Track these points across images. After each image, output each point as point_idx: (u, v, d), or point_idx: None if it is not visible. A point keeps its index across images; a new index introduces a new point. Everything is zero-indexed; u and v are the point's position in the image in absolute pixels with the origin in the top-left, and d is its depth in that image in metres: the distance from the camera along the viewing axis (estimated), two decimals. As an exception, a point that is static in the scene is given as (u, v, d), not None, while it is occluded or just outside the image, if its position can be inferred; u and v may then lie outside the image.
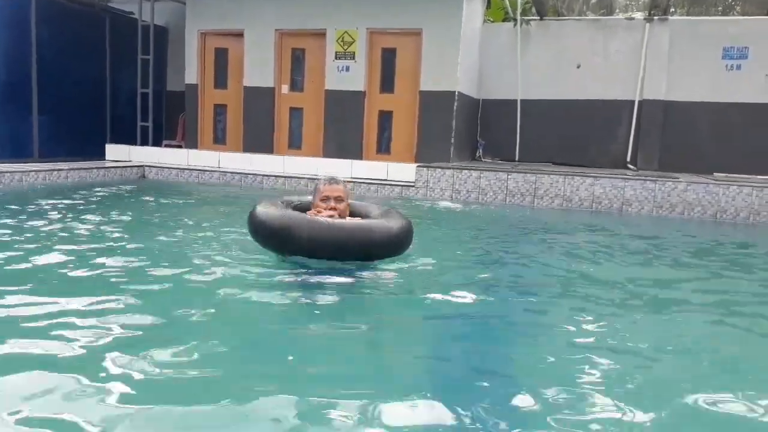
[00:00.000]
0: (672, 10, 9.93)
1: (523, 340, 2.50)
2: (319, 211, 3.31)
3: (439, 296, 2.96)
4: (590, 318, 2.72)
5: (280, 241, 3.20)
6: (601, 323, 2.66)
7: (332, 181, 3.41)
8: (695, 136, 9.43)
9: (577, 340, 2.46)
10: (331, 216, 3.27)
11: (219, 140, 10.64)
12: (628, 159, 9.64)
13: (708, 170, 8.79)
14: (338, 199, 3.36)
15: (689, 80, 9.41)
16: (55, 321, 2.34)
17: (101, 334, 2.22)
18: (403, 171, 8.19)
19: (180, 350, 2.09)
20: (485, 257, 4.36)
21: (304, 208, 3.59)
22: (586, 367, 2.13)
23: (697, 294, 3.48)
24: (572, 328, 2.59)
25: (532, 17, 10.23)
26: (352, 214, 3.54)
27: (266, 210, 3.25)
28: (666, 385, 2.05)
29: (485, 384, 1.98)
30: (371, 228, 3.21)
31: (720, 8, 10.79)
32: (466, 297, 2.99)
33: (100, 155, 9.63)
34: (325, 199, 3.35)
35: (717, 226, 6.73)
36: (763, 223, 6.84)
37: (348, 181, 8.19)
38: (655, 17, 9.42)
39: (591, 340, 2.47)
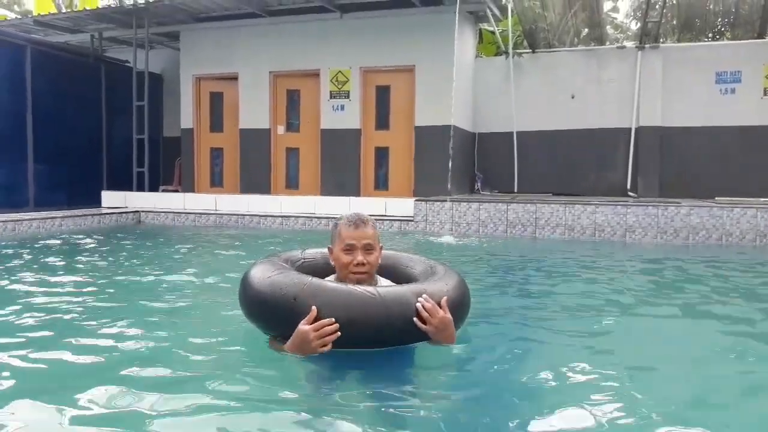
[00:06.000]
0: (662, 39, 9.99)
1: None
2: (351, 272, 2.36)
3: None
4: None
5: (288, 325, 2.15)
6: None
7: (358, 222, 2.40)
8: (694, 161, 9.37)
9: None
10: (361, 274, 2.36)
11: (216, 183, 10.61)
12: (629, 187, 9.56)
13: (709, 194, 8.69)
14: (367, 249, 2.37)
15: (684, 106, 9.40)
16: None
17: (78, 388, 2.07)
18: (402, 206, 8.10)
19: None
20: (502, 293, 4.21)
21: (316, 266, 2.62)
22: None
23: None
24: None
25: (524, 50, 10.30)
26: (381, 271, 2.56)
27: (265, 276, 2.25)
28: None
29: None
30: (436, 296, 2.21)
31: (710, 34, 10.87)
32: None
33: (97, 203, 9.57)
34: (349, 249, 2.37)
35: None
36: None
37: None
38: (647, 45, 9.48)
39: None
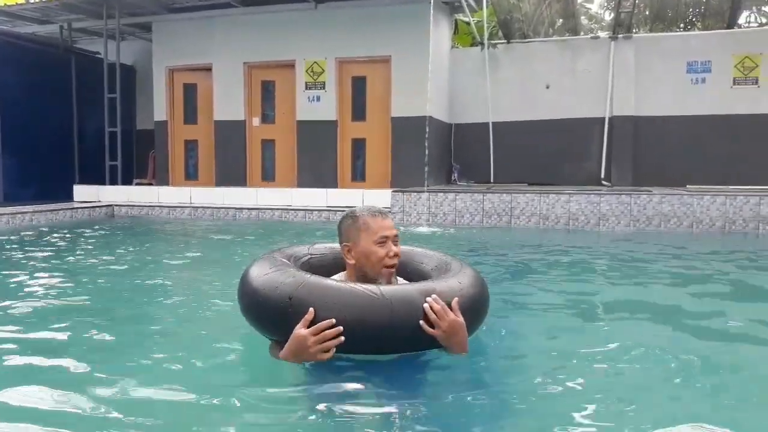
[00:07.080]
0: (635, 29, 10.11)
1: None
2: (386, 265, 2.14)
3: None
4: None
5: (284, 327, 1.94)
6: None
7: (383, 212, 2.21)
8: (666, 150, 9.52)
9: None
10: (393, 267, 2.17)
11: (191, 176, 10.49)
12: (602, 176, 9.68)
13: (681, 182, 8.85)
14: (396, 240, 2.19)
15: (657, 95, 9.53)
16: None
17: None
18: (379, 197, 8.10)
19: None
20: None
21: (324, 263, 2.40)
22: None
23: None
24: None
25: (499, 41, 10.34)
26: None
27: (261, 273, 2.05)
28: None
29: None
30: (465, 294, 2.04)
31: (681, 24, 11.02)
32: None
33: (69, 197, 9.42)
34: (383, 241, 2.14)
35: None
36: (740, 231, 6.85)
37: (323, 210, 8.11)
38: (620, 35, 9.58)
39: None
